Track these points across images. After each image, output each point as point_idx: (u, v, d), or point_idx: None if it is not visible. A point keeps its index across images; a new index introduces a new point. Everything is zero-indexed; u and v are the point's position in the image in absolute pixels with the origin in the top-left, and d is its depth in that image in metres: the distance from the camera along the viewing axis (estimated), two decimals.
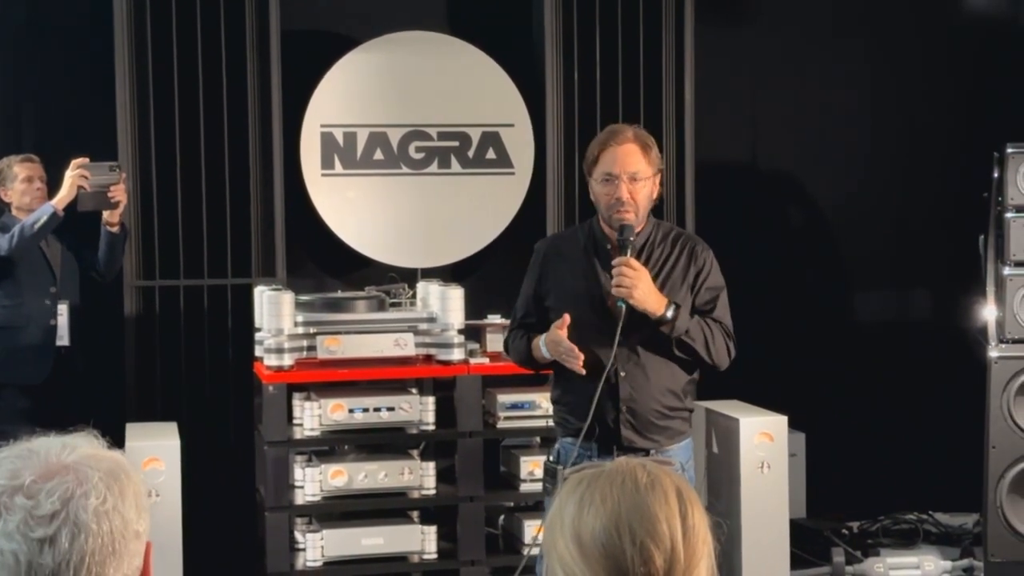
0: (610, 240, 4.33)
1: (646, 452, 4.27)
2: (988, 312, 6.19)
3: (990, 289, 6.19)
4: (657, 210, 6.52)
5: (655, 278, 4.26)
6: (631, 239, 4.25)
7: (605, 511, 1.70)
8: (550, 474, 4.39)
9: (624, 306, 4.17)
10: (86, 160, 5.62)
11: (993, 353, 6.13)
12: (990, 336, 6.16)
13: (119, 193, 5.65)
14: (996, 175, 6.20)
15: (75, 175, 5.58)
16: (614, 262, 4.21)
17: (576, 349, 4.19)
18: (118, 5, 6.14)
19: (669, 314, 4.21)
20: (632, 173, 4.24)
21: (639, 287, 4.16)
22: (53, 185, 5.77)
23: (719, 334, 4.33)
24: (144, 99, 6.21)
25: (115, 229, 5.77)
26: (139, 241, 6.22)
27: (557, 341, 4.22)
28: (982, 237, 6.25)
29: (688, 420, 4.44)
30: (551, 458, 4.45)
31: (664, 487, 1.73)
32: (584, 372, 4.20)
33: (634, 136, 4.30)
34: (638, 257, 4.28)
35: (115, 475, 1.69)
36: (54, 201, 5.61)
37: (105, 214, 5.73)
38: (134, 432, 5.60)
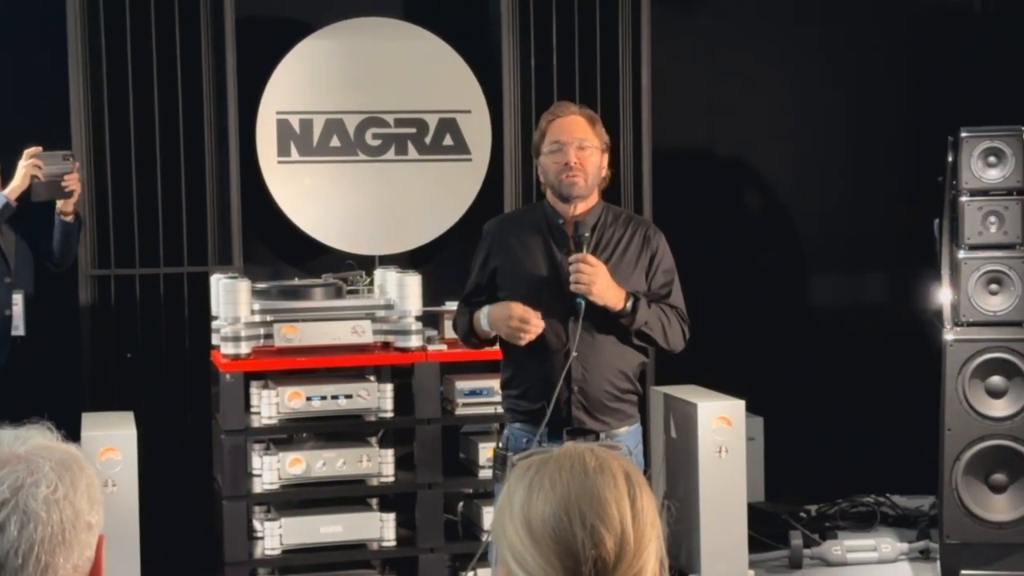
0: (562, 216, 4.34)
1: (596, 435, 4.29)
2: (943, 295, 6.23)
3: (945, 272, 6.23)
4: (615, 194, 6.59)
5: (607, 260, 4.27)
6: (587, 235, 4.27)
7: (555, 496, 1.70)
8: (500, 461, 4.39)
9: (583, 302, 4.18)
10: (39, 149, 5.57)
11: (948, 336, 6.17)
12: (945, 319, 6.20)
13: (73, 182, 5.61)
14: (950, 159, 6.24)
15: (28, 165, 5.53)
16: (571, 258, 4.22)
17: (535, 317, 4.19)
18: None
19: (629, 307, 4.22)
20: (580, 139, 4.28)
21: (597, 283, 4.18)
22: (6, 175, 5.72)
23: (675, 319, 4.35)
24: (98, 87, 6.17)
25: (69, 218, 5.73)
26: (94, 230, 6.18)
27: (510, 313, 4.20)
28: (937, 221, 6.28)
29: (636, 405, 4.45)
30: (500, 444, 4.46)
31: (612, 471, 1.73)
32: (525, 343, 4.20)
33: (579, 110, 4.40)
34: (589, 239, 4.30)
35: (67, 465, 1.68)
36: (7, 191, 5.56)
37: (59, 203, 5.68)
38: (90, 422, 5.57)
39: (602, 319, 4.26)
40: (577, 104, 4.50)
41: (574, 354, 4.25)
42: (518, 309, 4.21)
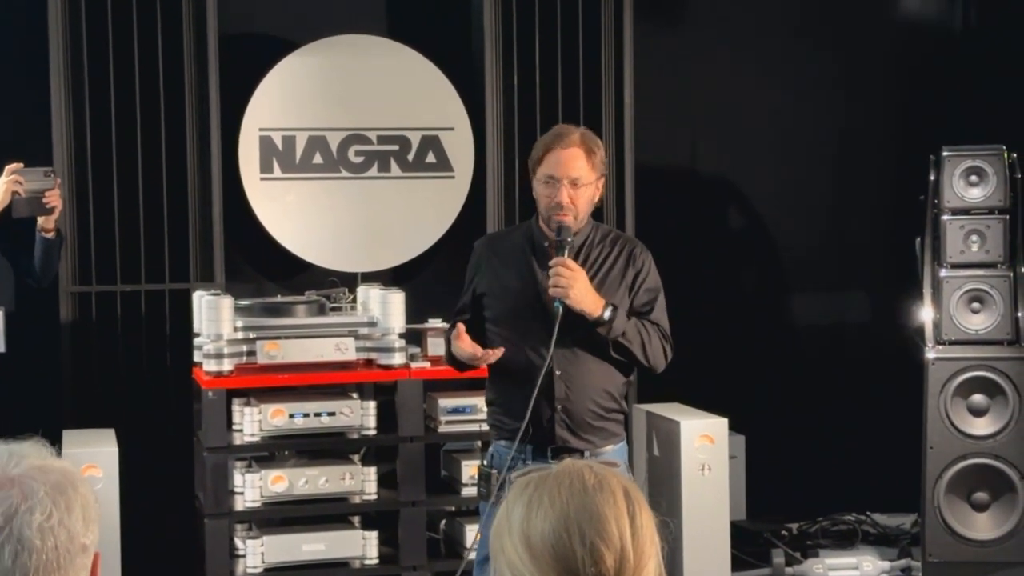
0: (548, 239, 4.34)
1: (580, 453, 4.28)
2: (925, 314, 6.25)
3: (927, 291, 6.25)
4: (596, 212, 6.58)
5: (592, 278, 4.27)
6: (568, 240, 4.26)
7: (554, 513, 1.70)
8: (484, 478, 4.39)
9: (561, 307, 4.18)
10: (20, 165, 5.54)
11: (930, 355, 6.19)
12: (927, 338, 6.22)
13: (54, 199, 5.58)
14: (932, 178, 6.26)
15: (9, 181, 5.50)
16: (551, 262, 4.22)
17: (479, 349, 4.23)
18: (52, 7, 6.08)
19: (606, 315, 4.22)
20: (574, 178, 4.25)
21: (575, 287, 4.17)
22: None
23: (656, 336, 4.34)
24: (80, 103, 6.15)
25: (51, 235, 5.69)
26: (75, 246, 6.15)
27: (461, 350, 4.26)
28: (919, 239, 6.30)
29: (622, 423, 4.45)
30: (485, 462, 4.45)
31: (612, 488, 1.73)
32: (494, 359, 4.23)
33: (580, 139, 4.29)
34: (576, 258, 4.29)
35: (61, 489, 1.66)
36: None
37: (40, 220, 5.65)
38: (71, 439, 5.54)
39: (584, 336, 4.26)
40: (579, 127, 4.41)
41: (557, 372, 4.25)
42: (467, 351, 4.25)
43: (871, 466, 7.16)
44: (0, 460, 1.68)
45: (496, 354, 4.24)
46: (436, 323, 6.02)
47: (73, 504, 1.67)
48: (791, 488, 7.07)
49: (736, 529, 6.29)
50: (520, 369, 4.27)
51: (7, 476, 1.65)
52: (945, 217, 6.24)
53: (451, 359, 4.46)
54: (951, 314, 6.19)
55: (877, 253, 7.53)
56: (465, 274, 4.54)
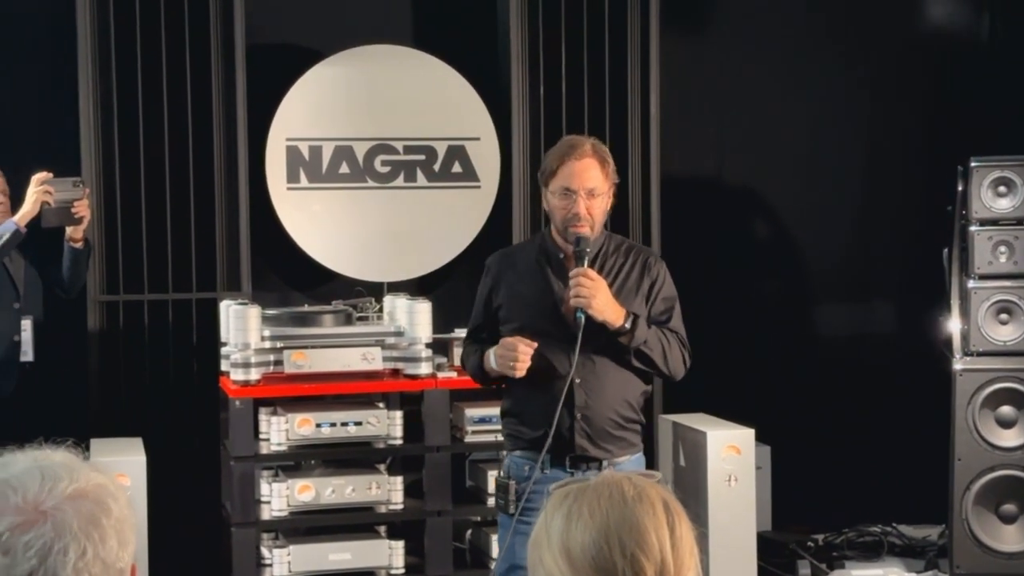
0: (563, 251, 4.34)
1: (598, 462, 4.29)
2: (953, 325, 6.23)
3: (955, 302, 6.23)
4: (623, 222, 6.59)
5: (609, 287, 4.27)
6: (587, 250, 4.26)
7: (594, 524, 1.69)
8: (503, 490, 4.37)
9: (583, 316, 4.18)
10: (49, 175, 5.57)
11: (958, 366, 6.17)
12: (955, 349, 6.20)
13: (83, 209, 5.61)
14: (960, 188, 6.25)
15: (39, 191, 5.53)
16: (572, 272, 4.22)
17: (521, 343, 4.18)
18: (82, 18, 6.11)
19: (628, 325, 4.22)
20: (590, 189, 4.25)
21: (598, 297, 4.17)
22: (15, 201, 5.72)
23: (676, 344, 4.35)
24: (108, 113, 6.17)
25: (79, 245, 5.72)
26: (103, 256, 6.18)
27: (509, 344, 4.21)
28: (946, 250, 6.28)
29: (640, 434, 4.44)
30: (502, 474, 4.44)
31: (651, 499, 1.73)
32: (521, 375, 4.20)
33: (592, 150, 4.30)
34: (592, 267, 4.29)
35: (95, 521, 1.64)
36: (16, 218, 5.56)
37: (69, 230, 5.68)
38: (99, 448, 5.56)
39: (604, 344, 4.26)
40: (587, 137, 4.42)
41: (576, 381, 4.25)
42: (508, 339, 4.22)
43: (897, 477, 7.14)
44: (32, 486, 1.64)
45: (527, 351, 4.23)
46: (462, 333, 5.99)
47: (107, 534, 1.64)
48: (817, 499, 7.05)
49: (762, 540, 6.27)
50: (540, 379, 4.26)
51: (39, 510, 1.62)
52: (973, 228, 6.22)
53: (479, 373, 4.43)
54: (979, 325, 6.17)
55: (903, 263, 7.50)
56: (477, 289, 4.53)
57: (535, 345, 4.21)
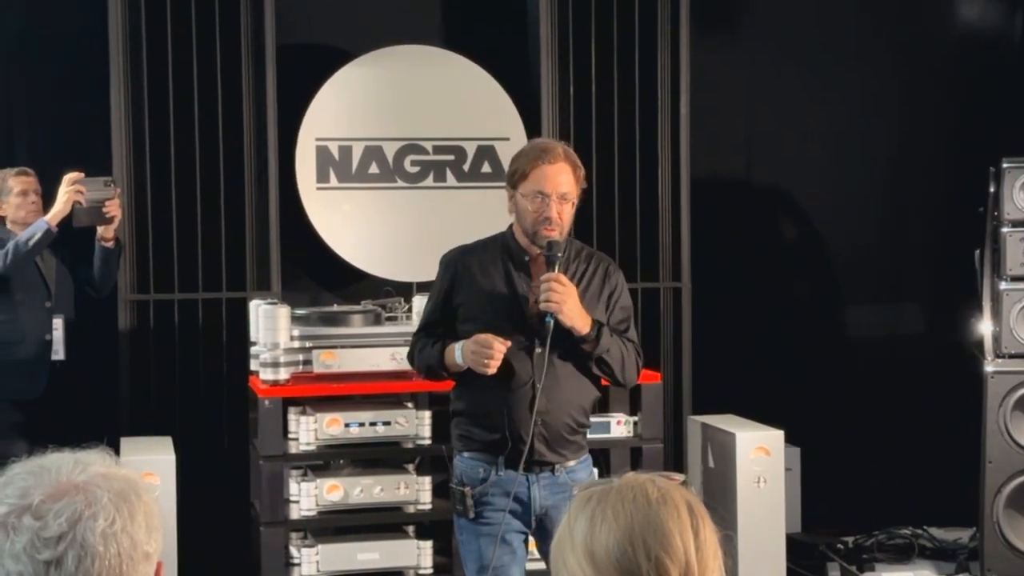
0: (527, 252, 4.32)
1: (552, 467, 4.30)
2: (984, 327, 6.20)
3: (986, 304, 6.20)
4: (652, 224, 6.59)
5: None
6: (559, 255, 4.25)
7: (618, 527, 1.69)
8: (458, 497, 4.33)
9: (552, 321, 4.17)
10: (80, 175, 5.60)
11: (989, 368, 6.13)
12: (986, 351, 6.16)
13: (114, 208, 5.64)
14: (992, 189, 6.21)
15: (71, 191, 5.56)
16: (543, 277, 4.21)
17: (496, 341, 4.15)
18: (113, 18, 6.14)
19: (594, 333, 4.24)
20: (563, 194, 4.24)
21: (568, 303, 4.17)
22: (46, 200, 5.75)
23: (633, 353, 4.37)
24: (139, 113, 6.20)
25: (110, 244, 5.75)
26: (134, 255, 6.20)
27: (484, 341, 4.16)
28: (978, 252, 6.25)
29: (586, 436, 4.45)
30: (454, 481, 4.39)
31: (675, 502, 1.73)
32: (492, 372, 4.17)
33: (564, 155, 4.28)
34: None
35: (125, 496, 1.67)
36: (48, 217, 5.59)
37: (100, 229, 5.71)
38: (129, 446, 5.58)
39: (566, 350, 4.26)
40: (558, 141, 4.40)
41: (538, 385, 4.23)
42: (482, 336, 4.19)
43: (927, 479, 7.11)
44: (65, 467, 1.68)
45: (501, 349, 4.20)
46: None
47: (136, 512, 1.67)
48: (847, 501, 7.03)
49: (791, 542, 6.25)
50: (498, 381, 4.24)
51: (72, 483, 1.66)
52: (1005, 229, 6.19)
53: (437, 365, 4.33)
54: (1011, 327, 6.14)
55: (934, 265, 7.47)
56: (431, 287, 4.50)
57: (509, 344, 4.20)
